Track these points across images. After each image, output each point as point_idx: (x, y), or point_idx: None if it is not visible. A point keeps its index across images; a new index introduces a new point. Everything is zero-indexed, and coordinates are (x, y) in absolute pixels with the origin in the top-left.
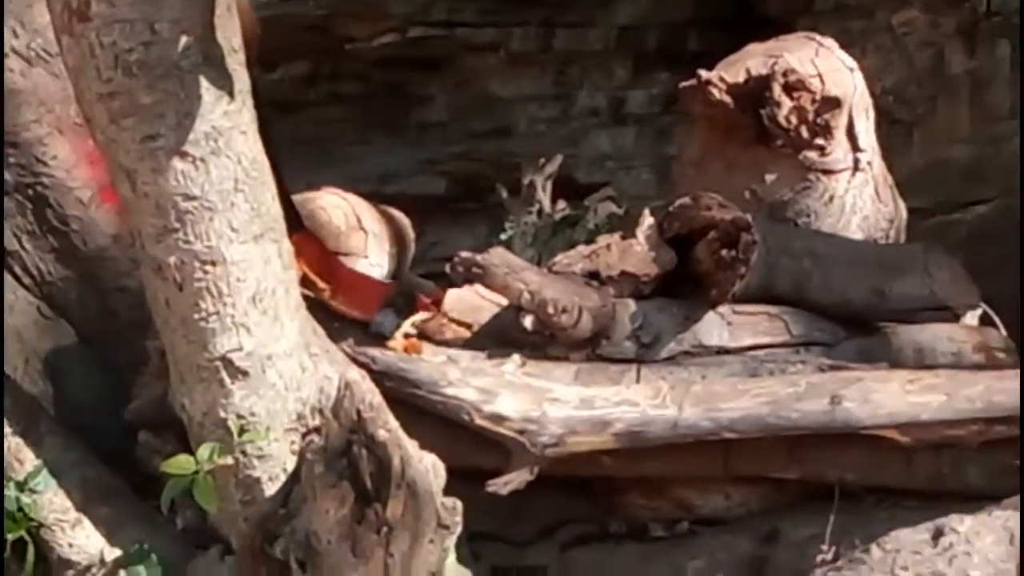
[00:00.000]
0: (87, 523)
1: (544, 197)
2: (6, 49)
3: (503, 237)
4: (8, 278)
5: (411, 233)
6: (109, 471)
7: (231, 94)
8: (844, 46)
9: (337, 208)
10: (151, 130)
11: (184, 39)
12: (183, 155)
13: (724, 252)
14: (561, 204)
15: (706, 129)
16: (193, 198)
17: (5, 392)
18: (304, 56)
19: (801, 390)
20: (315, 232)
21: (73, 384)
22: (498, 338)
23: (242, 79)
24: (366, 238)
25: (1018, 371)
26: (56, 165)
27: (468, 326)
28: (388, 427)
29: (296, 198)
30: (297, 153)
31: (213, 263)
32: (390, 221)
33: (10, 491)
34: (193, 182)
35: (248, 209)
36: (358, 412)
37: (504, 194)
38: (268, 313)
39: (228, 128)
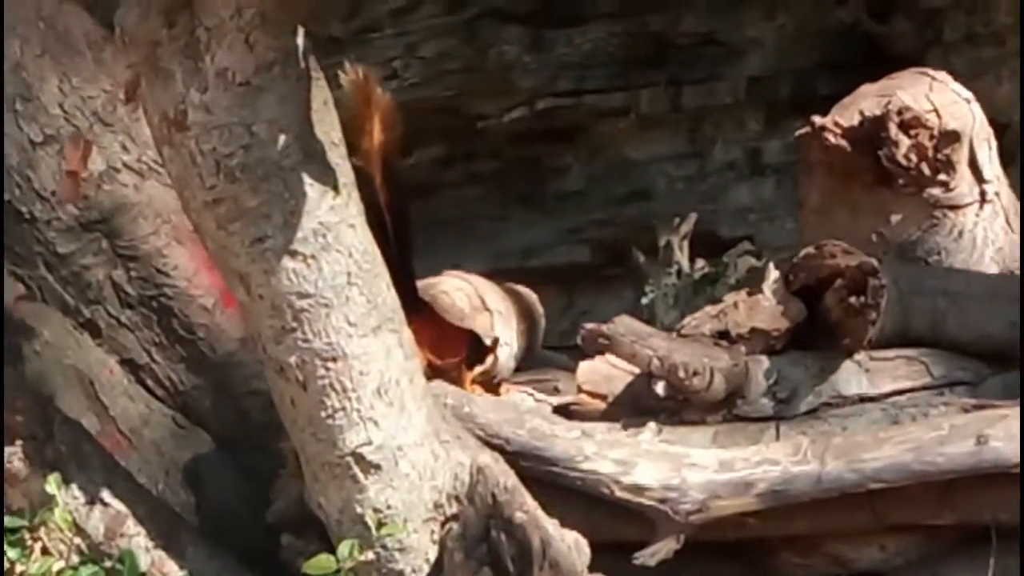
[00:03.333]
0: None
1: (682, 257)
2: (118, 164)
3: (644, 301)
4: (141, 390)
5: (539, 308)
6: None
7: (335, 188)
8: (977, 75)
9: (459, 291)
10: (259, 232)
11: (283, 138)
12: (293, 254)
13: (853, 299)
14: (700, 263)
15: (826, 175)
16: (307, 296)
17: (145, 505)
18: (437, 138)
19: (945, 433)
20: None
21: (214, 491)
22: (633, 406)
23: (345, 172)
24: (492, 318)
25: None
26: (177, 275)
27: (603, 397)
28: (525, 508)
29: (419, 283)
30: (438, 234)
31: (334, 359)
32: (517, 298)
33: None
34: (306, 280)
35: (364, 302)
36: (493, 496)
37: (641, 258)
38: (394, 404)
39: (336, 223)
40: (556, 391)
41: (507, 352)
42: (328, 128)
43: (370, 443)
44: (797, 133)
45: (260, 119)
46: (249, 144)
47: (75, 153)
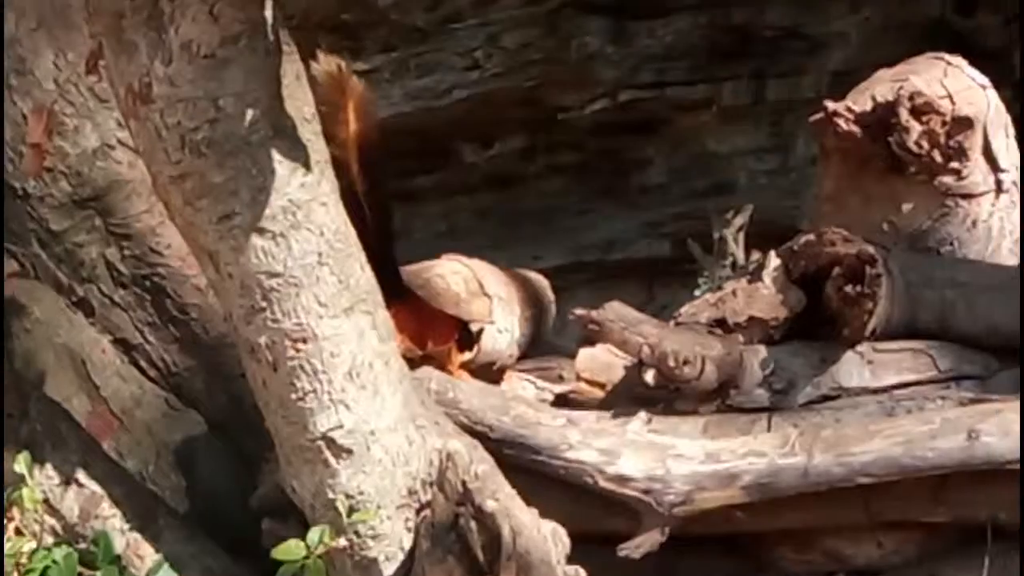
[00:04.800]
0: None
1: (737, 249)
2: (112, 141)
3: (696, 293)
4: (134, 371)
5: (549, 295)
6: (233, 561)
7: (307, 165)
8: None
9: (456, 274)
10: (226, 209)
11: (250, 113)
12: (261, 231)
13: (849, 288)
14: (756, 255)
15: (840, 163)
16: (276, 275)
17: (121, 487)
18: (519, 130)
19: (936, 427)
20: (430, 300)
21: (205, 474)
22: (629, 395)
23: (318, 149)
24: (490, 303)
25: None
26: (170, 254)
27: (601, 386)
28: (497, 496)
29: (413, 267)
30: (520, 226)
31: (304, 340)
32: (522, 284)
33: None
34: (275, 258)
35: (335, 282)
36: (463, 483)
37: (697, 250)
38: (367, 388)
39: (306, 200)
40: (560, 379)
41: (507, 339)
42: (300, 104)
43: (341, 427)
44: (811, 119)
45: (226, 92)
46: (215, 118)
47: (38, 125)
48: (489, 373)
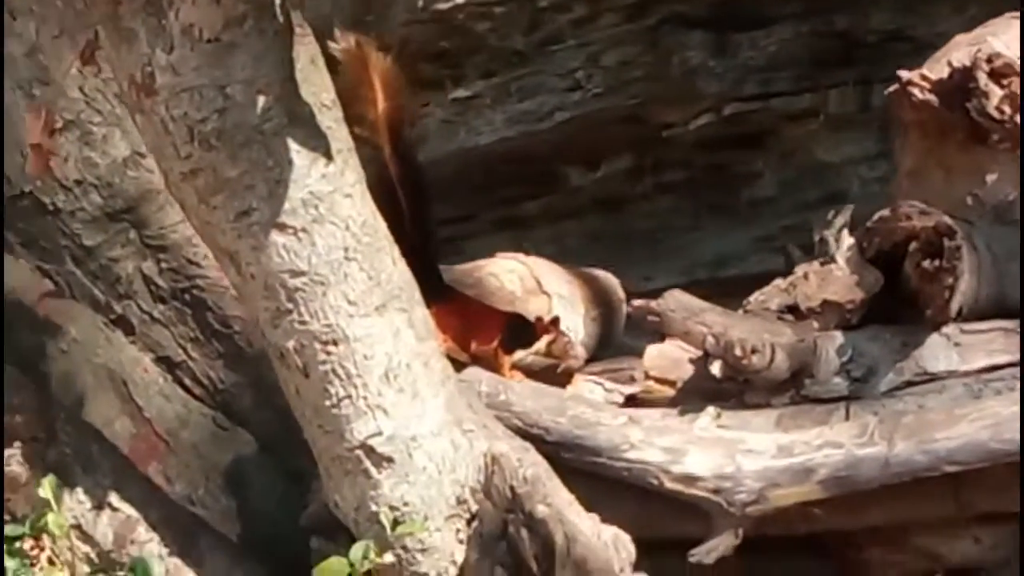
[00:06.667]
0: None
1: (838, 251)
2: (143, 149)
3: None
4: (178, 390)
5: (620, 293)
6: None
7: (327, 154)
8: None
9: (511, 272)
10: (243, 205)
11: (262, 100)
12: (282, 228)
13: (927, 263)
14: None
15: (919, 136)
16: (301, 273)
17: (159, 509)
18: (624, 149)
19: None
20: (482, 299)
21: (256, 495)
22: (698, 392)
23: (340, 137)
24: (550, 301)
25: None
26: (208, 264)
27: (672, 384)
28: (548, 501)
29: (464, 266)
30: (630, 248)
31: (335, 342)
32: (588, 282)
33: None
34: (298, 256)
35: (364, 278)
36: (511, 488)
37: (797, 253)
38: (405, 391)
39: (329, 192)
40: (632, 380)
41: (573, 338)
42: (317, 89)
43: (380, 433)
44: (887, 91)
45: (234, 79)
46: (224, 108)
47: (36, 123)
48: (554, 376)
